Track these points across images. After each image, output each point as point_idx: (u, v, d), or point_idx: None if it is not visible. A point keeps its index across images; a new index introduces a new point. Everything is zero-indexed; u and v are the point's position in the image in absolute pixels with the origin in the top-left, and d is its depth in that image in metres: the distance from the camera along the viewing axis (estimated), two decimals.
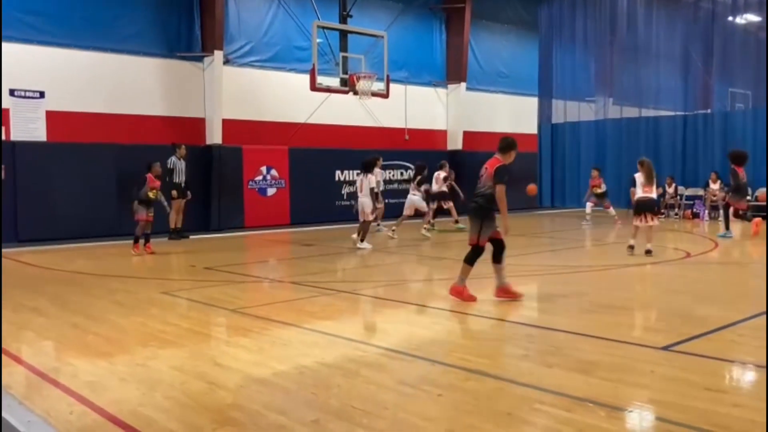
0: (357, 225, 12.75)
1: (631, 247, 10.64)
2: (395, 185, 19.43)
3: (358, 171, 13.20)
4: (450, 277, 9.22)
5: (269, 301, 7.62)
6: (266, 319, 6.53)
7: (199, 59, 16.62)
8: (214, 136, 16.52)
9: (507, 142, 7.24)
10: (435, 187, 15.12)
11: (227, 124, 16.77)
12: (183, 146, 14.47)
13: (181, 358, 5.27)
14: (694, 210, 18.19)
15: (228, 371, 4.84)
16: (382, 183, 15.44)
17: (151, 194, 11.85)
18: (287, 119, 18.19)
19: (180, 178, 14.18)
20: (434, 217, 15.06)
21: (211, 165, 16.41)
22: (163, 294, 8.04)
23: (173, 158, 14.14)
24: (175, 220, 14.16)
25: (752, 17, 20.21)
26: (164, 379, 4.66)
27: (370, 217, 12.59)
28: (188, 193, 14.40)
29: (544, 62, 22.54)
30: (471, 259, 6.98)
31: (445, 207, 15.16)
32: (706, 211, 17.72)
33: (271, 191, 17.43)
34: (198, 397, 4.29)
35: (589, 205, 17.81)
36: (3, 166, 13.00)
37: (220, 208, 16.48)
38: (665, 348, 5.18)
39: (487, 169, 6.97)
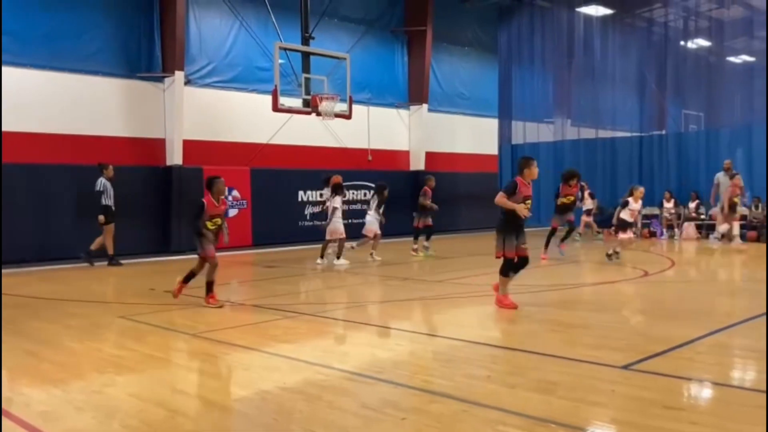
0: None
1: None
2: (358, 206, 19.42)
3: (324, 192, 13.63)
4: (413, 298, 9.26)
5: (230, 325, 7.51)
6: (227, 343, 6.43)
7: (160, 80, 16.48)
8: (175, 156, 16.35)
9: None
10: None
11: (188, 144, 16.62)
12: (110, 166, 13.75)
13: (140, 384, 5.15)
14: (651, 228, 18.57)
15: (188, 398, 4.75)
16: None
17: (210, 224, 8.53)
18: (249, 140, 18.11)
19: (109, 201, 13.51)
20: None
21: (171, 186, 16.21)
22: (121, 318, 7.87)
23: (102, 179, 13.46)
24: (101, 243, 13.44)
25: (703, 42, 20.89)
26: (122, 407, 4.55)
27: (344, 235, 13.10)
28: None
29: (504, 84, 22.95)
30: None
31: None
32: (664, 230, 18.12)
33: (232, 212, 17.26)
34: (157, 425, 4.19)
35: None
36: None
37: (181, 229, 16.25)
38: (625, 367, 5.25)
39: None
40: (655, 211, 18.87)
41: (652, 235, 18.32)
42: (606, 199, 19.77)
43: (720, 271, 11.65)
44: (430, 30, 21.72)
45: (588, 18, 21.61)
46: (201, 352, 6.20)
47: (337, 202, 12.94)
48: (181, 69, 16.39)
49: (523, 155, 8.81)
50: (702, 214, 17.90)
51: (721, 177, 15.98)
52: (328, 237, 13.06)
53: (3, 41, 13.95)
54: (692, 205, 18.03)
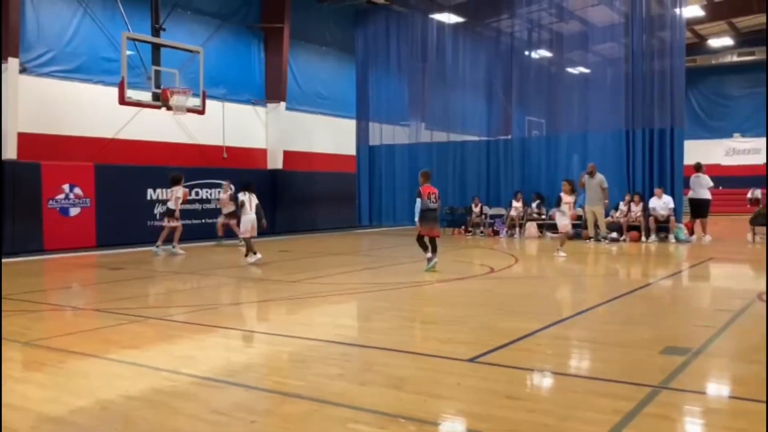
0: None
1: None
2: (212, 204, 18.86)
3: (241, 191, 13.25)
4: (268, 299, 9.14)
5: (69, 331, 7.02)
6: (64, 350, 6.00)
7: None
8: (8, 150, 15.05)
9: None
10: (171, 203, 14.98)
11: (23, 138, 15.36)
12: None
13: None
14: (495, 228, 19.58)
15: (17, 411, 4.36)
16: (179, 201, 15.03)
17: None
18: (93, 134, 17.07)
19: None
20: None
21: (2, 182, 14.88)
22: None
23: None
24: None
25: (545, 53, 22.31)
26: None
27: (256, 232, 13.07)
28: None
29: (361, 86, 23.27)
30: None
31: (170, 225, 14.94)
32: (505, 229, 19.17)
33: (74, 211, 16.16)
34: None
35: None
36: None
37: (15, 229, 14.98)
38: (471, 360, 5.47)
39: None
40: (501, 211, 19.90)
41: (496, 233, 19.31)
42: (456, 200, 20.61)
43: (559, 267, 12.49)
44: (288, 27, 21.56)
45: (441, 25, 22.37)
46: (33, 361, 5.73)
47: (243, 197, 13.02)
48: (16, 56, 15.12)
49: None
50: (543, 214, 19.10)
51: (586, 179, 16.84)
52: (243, 235, 13.03)
53: None
54: (534, 205, 19.20)
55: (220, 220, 16.95)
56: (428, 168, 13.90)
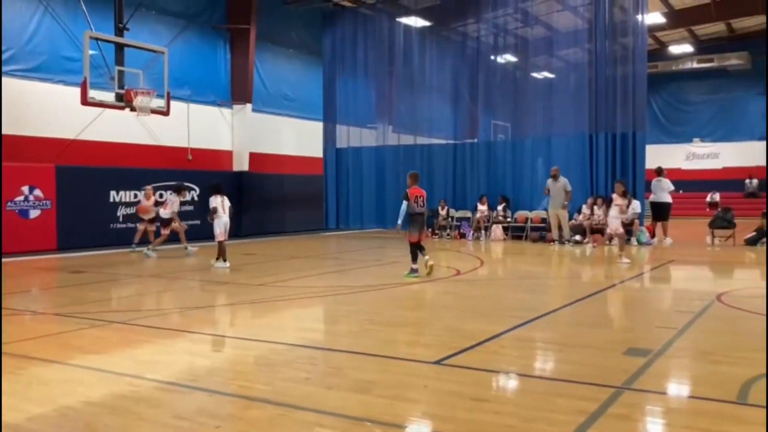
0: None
1: None
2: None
3: (215, 195, 12.83)
4: (233, 302, 9.04)
5: (28, 336, 6.86)
6: (23, 356, 5.86)
7: None
8: None
9: None
10: (166, 212, 14.78)
11: None
12: None
13: None
14: (461, 230, 19.69)
15: None
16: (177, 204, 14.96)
17: None
18: (54, 135, 16.72)
19: None
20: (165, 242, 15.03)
21: None
22: None
23: None
24: None
25: (510, 57, 22.53)
26: None
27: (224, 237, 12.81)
28: None
29: (328, 88, 23.22)
30: None
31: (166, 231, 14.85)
32: (472, 232, 19.27)
33: (34, 213, 15.80)
34: None
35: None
36: None
37: None
38: (437, 362, 5.49)
39: None
40: (468, 214, 20.02)
41: (462, 236, 19.41)
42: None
43: (524, 270, 12.62)
44: (254, 29, 21.42)
45: (408, 28, 22.44)
46: None
47: (216, 202, 12.71)
48: None
49: None
50: (508, 217, 19.26)
51: (550, 183, 17.02)
52: (218, 238, 12.69)
53: None
54: (500, 208, 19.35)
55: (141, 226, 15.57)
56: (407, 171, 13.66)
